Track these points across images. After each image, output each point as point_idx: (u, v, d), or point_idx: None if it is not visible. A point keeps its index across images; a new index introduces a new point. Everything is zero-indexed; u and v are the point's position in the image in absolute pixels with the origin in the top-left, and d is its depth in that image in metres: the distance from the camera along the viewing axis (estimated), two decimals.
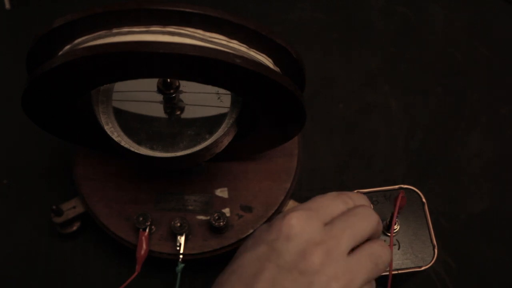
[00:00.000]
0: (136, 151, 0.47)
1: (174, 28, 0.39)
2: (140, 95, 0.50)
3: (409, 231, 0.51)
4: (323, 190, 0.62)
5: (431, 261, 0.50)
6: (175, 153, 0.48)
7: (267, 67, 0.41)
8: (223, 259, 0.50)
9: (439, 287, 0.59)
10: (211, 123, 0.49)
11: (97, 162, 0.58)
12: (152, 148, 0.48)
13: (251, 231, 0.55)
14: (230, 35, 0.40)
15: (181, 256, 0.54)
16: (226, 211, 0.57)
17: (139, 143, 0.49)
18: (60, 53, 0.41)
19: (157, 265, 0.58)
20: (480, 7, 0.73)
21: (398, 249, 0.51)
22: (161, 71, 0.41)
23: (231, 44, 0.41)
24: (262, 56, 0.42)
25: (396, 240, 0.51)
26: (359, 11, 0.72)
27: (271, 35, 0.41)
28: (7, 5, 0.72)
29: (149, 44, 0.37)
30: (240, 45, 0.41)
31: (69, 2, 0.71)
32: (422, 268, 0.50)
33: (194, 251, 0.55)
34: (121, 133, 0.49)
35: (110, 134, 0.48)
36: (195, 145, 0.48)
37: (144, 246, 0.54)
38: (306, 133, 0.66)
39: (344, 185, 0.63)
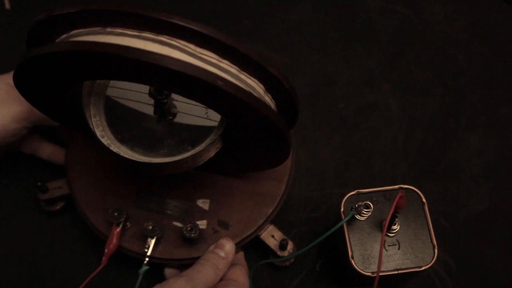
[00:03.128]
0: (113, 149, 0.47)
1: (166, 38, 0.39)
2: (135, 94, 0.50)
3: (409, 231, 0.51)
4: (323, 190, 0.63)
5: (431, 261, 0.50)
6: (152, 159, 0.47)
7: (249, 94, 0.40)
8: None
9: (439, 287, 0.59)
10: (197, 134, 0.48)
11: (90, 148, 0.58)
12: (132, 149, 0.48)
13: None
14: (222, 54, 0.40)
15: (146, 259, 0.54)
16: (203, 223, 0.56)
17: (121, 141, 0.48)
18: (58, 40, 0.41)
19: (127, 261, 0.58)
20: (480, 7, 0.73)
21: (398, 249, 0.51)
22: (144, 79, 0.41)
23: (221, 64, 0.40)
24: (253, 80, 0.42)
25: (396, 240, 0.51)
26: (359, 11, 0.72)
27: (262, 62, 0.40)
28: (7, 5, 0.72)
29: (133, 51, 0.37)
30: (231, 66, 0.40)
31: (69, 2, 0.71)
32: (422, 268, 0.50)
33: (162, 255, 0.55)
34: (106, 128, 0.48)
35: (95, 127, 0.47)
36: (174, 155, 0.48)
37: (114, 240, 0.54)
38: (306, 133, 0.66)
39: (344, 185, 0.63)
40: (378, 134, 0.66)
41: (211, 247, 0.52)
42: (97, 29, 0.40)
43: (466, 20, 0.72)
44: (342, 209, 0.52)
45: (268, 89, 0.43)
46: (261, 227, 0.56)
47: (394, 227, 0.51)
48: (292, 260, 0.59)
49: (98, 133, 0.47)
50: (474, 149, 0.65)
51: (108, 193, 0.57)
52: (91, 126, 0.47)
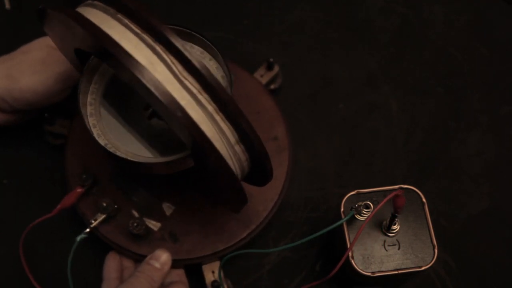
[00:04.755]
0: (91, 121, 0.47)
1: (160, 48, 0.39)
2: None
3: (409, 231, 0.51)
4: (323, 190, 0.63)
5: (431, 261, 0.50)
6: (116, 151, 0.47)
7: (204, 136, 0.40)
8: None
9: (439, 287, 0.59)
10: (175, 144, 0.47)
11: None
12: (111, 132, 0.48)
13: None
14: (205, 88, 0.40)
15: (87, 229, 0.54)
16: (157, 225, 0.56)
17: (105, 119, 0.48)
18: (85, 2, 0.44)
19: (81, 223, 0.57)
20: (480, 7, 0.73)
21: (398, 249, 0.51)
22: (125, 77, 0.41)
23: (200, 96, 0.40)
24: (228, 126, 0.41)
25: (396, 240, 0.51)
26: (359, 11, 0.72)
27: (238, 115, 0.40)
28: (7, 5, 0.72)
29: (116, 47, 0.38)
30: (209, 103, 0.40)
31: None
32: (422, 268, 0.50)
33: (106, 234, 0.55)
34: (98, 99, 0.48)
35: (90, 94, 0.48)
36: (140, 155, 0.47)
37: (72, 199, 0.55)
38: (306, 133, 0.66)
39: (344, 185, 0.63)
40: (378, 134, 0.66)
41: (147, 258, 0.52)
42: (111, 10, 0.41)
43: (466, 20, 0.72)
44: (342, 209, 0.52)
45: (242, 140, 0.42)
46: (205, 258, 0.55)
47: (394, 227, 0.51)
48: None
49: (89, 99, 0.48)
50: (474, 149, 0.65)
51: (95, 153, 0.57)
52: (79, 89, 0.47)
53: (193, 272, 0.57)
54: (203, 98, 0.40)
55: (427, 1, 0.73)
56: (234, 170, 0.43)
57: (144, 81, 0.38)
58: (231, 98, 0.40)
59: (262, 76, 0.64)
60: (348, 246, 0.50)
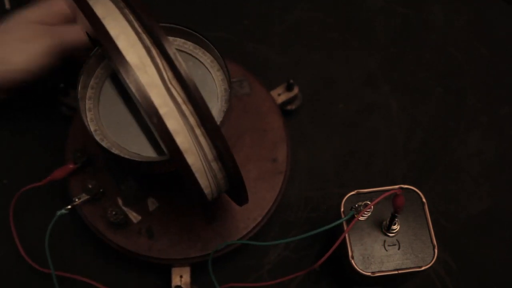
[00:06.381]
0: (87, 104, 0.47)
1: (155, 51, 0.39)
2: None
3: (409, 231, 0.51)
4: (323, 190, 0.63)
5: (431, 261, 0.50)
6: (103, 143, 0.46)
7: (175, 146, 0.39)
8: (99, 243, 0.56)
9: (439, 287, 0.59)
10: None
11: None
12: (105, 120, 0.48)
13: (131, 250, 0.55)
14: (190, 99, 0.39)
15: (69, 206, 0.54)
16: (137, 218, 0.55)
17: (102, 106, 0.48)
18: None
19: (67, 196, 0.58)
20: (480, 7, 0.73)
21: (398, 249, 0.51)
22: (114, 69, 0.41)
23: (183, 106, 0.39)
24: (207, 141, 0.41)
25: (396, 240, 0.51)
26: (359, 11, 0.72)
27: (215, 135, 0.39)
28: (7, 5, 0.72)
29: (110, 42, 0.38)
30: (192, 115, 0.40)
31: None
32: (422, 268, 0.50)
33: (86, 214, 0.55)
34: (98, 83, 0.48)
35: (94, 78, 0.48)
36: (126, 149, 0.46)
37: (62, 173, 0.55)
38: (306, 133, 0.66)
39: (344, 185, 0.63)
40: (378, 134, 0.66)
41: None
42: (121, 2, 0.41)
43: (466, 20, 0.72)
44: (342, 209, 0.52)
45: (219, 157, 0.41)
46: (175, 261, 0.55)
47: (394, 227, 0.51)
48: None
49: (92, 82, 0.48)
50: (474, 149, 0.65)
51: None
52: (82, 70, 0.47)
53: (166, 271, 0.56)
54: (187, 109, 0.39)
55: (427, 1, 0.73)
56: (206, 185, 0.43)
57: (128, 81, 0.38)
58: (211, 115, 0.39)
59: (280, 95, 0.63)
60: (348, 246, 0.51)
